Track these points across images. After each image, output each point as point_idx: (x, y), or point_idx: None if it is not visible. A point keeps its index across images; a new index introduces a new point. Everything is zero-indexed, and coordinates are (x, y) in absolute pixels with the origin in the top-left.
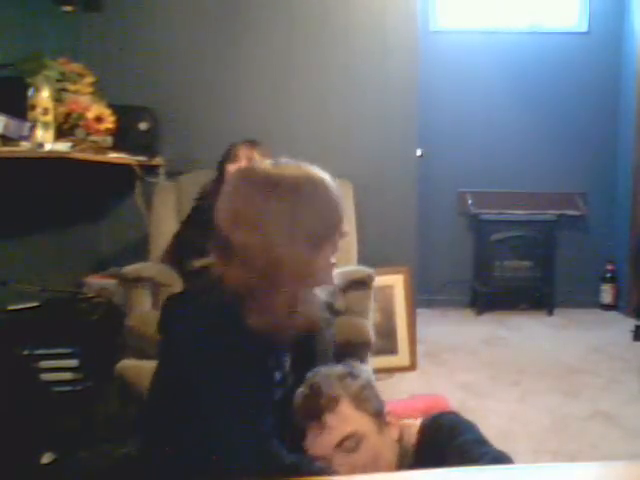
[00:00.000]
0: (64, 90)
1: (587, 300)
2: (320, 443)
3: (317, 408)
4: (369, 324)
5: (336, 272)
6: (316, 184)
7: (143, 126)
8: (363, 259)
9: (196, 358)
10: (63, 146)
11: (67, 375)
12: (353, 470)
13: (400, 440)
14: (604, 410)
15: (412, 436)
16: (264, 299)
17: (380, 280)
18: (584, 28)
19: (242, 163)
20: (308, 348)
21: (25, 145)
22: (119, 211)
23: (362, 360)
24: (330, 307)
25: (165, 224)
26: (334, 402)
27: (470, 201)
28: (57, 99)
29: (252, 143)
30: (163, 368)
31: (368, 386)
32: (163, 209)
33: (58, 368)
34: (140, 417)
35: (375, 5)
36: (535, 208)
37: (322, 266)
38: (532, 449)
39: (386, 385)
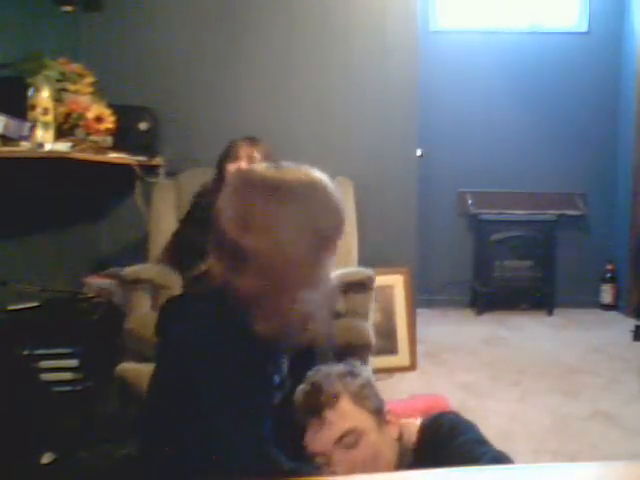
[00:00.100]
0: (64, 90)
1: (587, 300)
2: (320, 439)
3: (317, 404)
4: (369, 326)
5: (334, 273)
6: (320, 186)
7: (143, 126)
8: (363, 259)
9: (195, 360)
10: (63, 146)
11: (67, 375)
12: (352, 466)
13: (400, 439)
14: (604, 410)
15: (412, 435)
16: (271, 304)
17: (380, 280)
18: (584, 28)
19: (242, 162)
20: (308, 351)
21: (25, 145)
22: (119, 211)
23: (363, 362)
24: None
25: (164, 222)
26: (334, 399)
27: (470, 201)
28: (57, 99)
29: (252, 141)
30: (161, 370)
31: (368, 385)
32: (162, 206)
33: (58, 368)
34: (140, 417)
35: (375, 5)
36: (535, 208)
37: (325, 268)
38: (532, 449)
39: (386, 385)
